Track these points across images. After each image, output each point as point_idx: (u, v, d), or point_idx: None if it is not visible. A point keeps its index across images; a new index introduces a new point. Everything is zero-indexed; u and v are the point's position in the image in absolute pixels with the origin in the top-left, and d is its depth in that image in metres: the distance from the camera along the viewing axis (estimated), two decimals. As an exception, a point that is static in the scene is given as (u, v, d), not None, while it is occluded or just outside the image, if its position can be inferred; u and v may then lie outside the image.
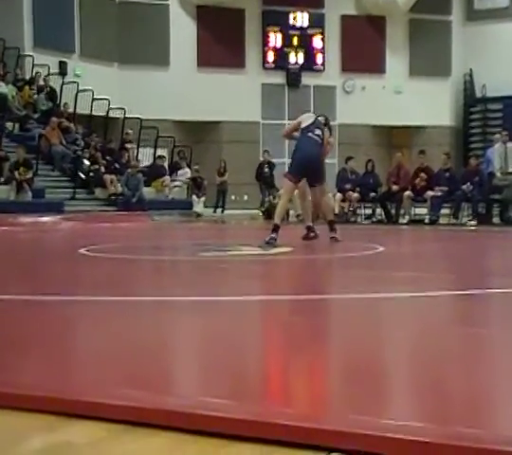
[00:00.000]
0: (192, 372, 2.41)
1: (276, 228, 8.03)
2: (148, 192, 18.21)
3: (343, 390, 2.08)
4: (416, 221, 15.05)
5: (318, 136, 8.26)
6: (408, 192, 15.02)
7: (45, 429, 1.76)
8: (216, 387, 2.06)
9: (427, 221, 14.68)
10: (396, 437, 1.56)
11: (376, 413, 1.77)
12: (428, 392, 2.00)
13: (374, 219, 15.99)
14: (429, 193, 14.74)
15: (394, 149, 21.21)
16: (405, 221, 15.22)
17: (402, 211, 15.43)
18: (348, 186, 16.05)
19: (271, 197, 18.30)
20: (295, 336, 2.96)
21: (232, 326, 3.15)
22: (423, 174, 15.00)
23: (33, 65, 19.47)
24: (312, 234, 8.90)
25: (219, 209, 20.04)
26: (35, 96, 19.00)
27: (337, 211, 16.02)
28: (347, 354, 2.62)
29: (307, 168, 8.27)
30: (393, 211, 15.50)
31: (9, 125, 17.51)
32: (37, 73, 19.37)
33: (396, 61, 23.81)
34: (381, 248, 7.84)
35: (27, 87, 19.03)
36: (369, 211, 16.28)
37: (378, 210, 16.02)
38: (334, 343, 2.89)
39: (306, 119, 8.41)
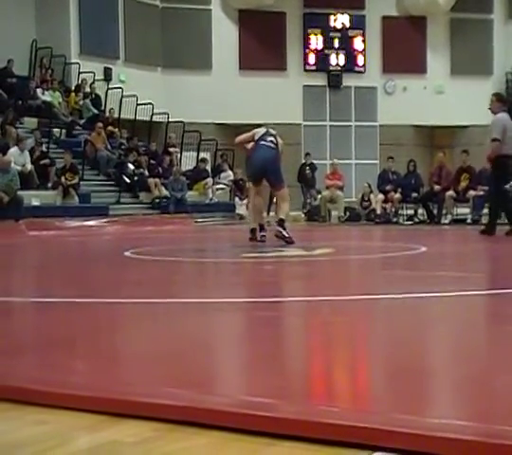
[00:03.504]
0: (236, 371, 2.43)
1: (261, 228, 9.08)
2: (191, 195, 18.34)
3: (387, 388, 2.09)
4: (459, 221, 15.03)
5: (271, 141, 8.97)
6: (450, 192, 15.00)
7: (92, 429, 1.77)
8: (260, 386, 2.05)
9: (469, 221, 14.64)
10: (440, 436, 1.55)
11: (421, 412, 1.77)
12: (472, 391, 2.00)
13: (417, 219, 16.01)
14: (472, 193, 14.70)
15: (436, 149, 21.11)
16: (447, 221, 15.21)
17: (444, 211, 15.41)
18: (389, 187, 16.10)
19: (312, 199, 18.41)
20: (339, 336, 2.99)
21: (276, 326, 3.19)
22: (463, 179, 14.97)
23: (79, 73, 19.82)
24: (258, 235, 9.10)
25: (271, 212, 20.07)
26: (81, 102, 19.34)
27: (379, 212, 16.12)
28: (391, 352, 2.62)
29: (264, 170, 8.92)
30: (435, 212, 15.49)
31: (55, 131, 17.82)
32: (83, 80, 19.71)
33: (437, 61, 23.68)
34: (424, 249, 7.84)
35: (72, 94, 19.39)
36: (411, 212, 16.29)
37: (420, 211, 16.03)
38: (377, 342, 2.87)
39: (259, 132, 9.14)
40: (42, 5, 19.97)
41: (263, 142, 8.91)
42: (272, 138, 8.98)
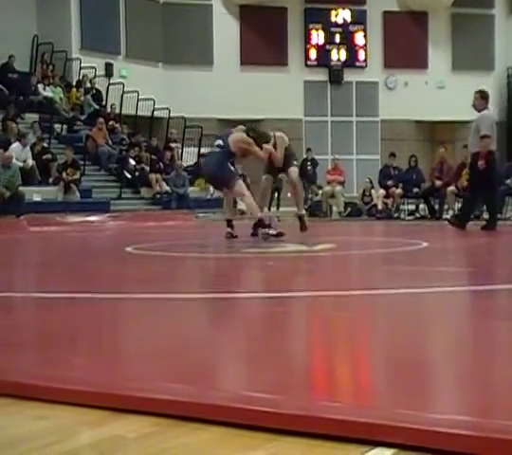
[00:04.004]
0: (237, 366, 2.42)
1: (229, 224, 9.04)
2: (192, 191, 18.34)
3: (389, 383, 2.09)
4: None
5: (217, 146, 8.71)
6: (451, 188, 14.99)
7: (93, 424, 1.77)
8: (261, 381, 2.04)
9: (471, 216, 14.62)
10: (442, 431, 1.55)
11: (422, 407, 1.76)
12: (473, 386, 2.00)
13: (418, 215, 16.00)
14: (473, 188, 14.68)
15: (437, 144, 21.10)
16: (448, 216, 15.17)
17: (446, 207, 15.40)
18: (391, 182, 16.09)
19: (314, 194, 18.39)
20: (340, 331, 2.99)
21: (277, 321, 3.18)
22: (464, 174, 14.94)
23: (80, 68, 19.83)
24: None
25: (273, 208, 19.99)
26: (82, 98, 19.34)
27: (380, 207, 16.11)
28: (392, 347, 2.61)
29: (209, 178, 8.99)
30: (436, 207, 15.48)
31: (57, 127, 17.83)
32: (84, 76, 19.71)
33: (439, 56, 23.67)
34: (425, 244, 7.81)
35: (74, 89, 19.40)
36: (412, 207, 16.29)
37: (421, 206, 16.03)
38: (379, 337, 2.88)
39: None
40: (43, 0, 19.95)
41: (212, 149, 8.75)
42: (220, 142, 8.70)
